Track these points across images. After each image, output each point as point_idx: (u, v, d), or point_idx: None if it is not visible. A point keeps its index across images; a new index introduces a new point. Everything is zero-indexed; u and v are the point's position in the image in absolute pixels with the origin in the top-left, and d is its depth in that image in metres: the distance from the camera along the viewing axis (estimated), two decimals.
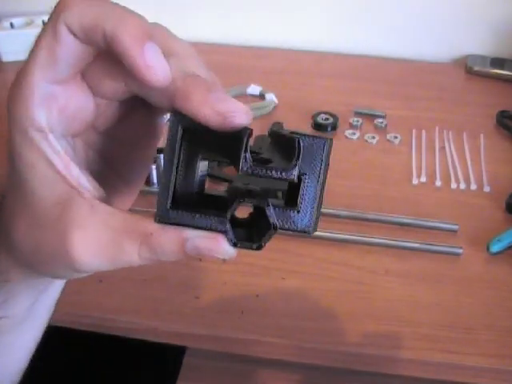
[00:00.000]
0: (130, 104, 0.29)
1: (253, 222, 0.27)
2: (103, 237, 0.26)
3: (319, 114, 0.87)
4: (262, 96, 0.93)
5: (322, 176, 0.27)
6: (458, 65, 1.06)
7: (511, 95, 0.96)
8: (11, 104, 0.26)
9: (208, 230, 0.26)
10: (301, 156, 0.26)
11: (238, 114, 0.25)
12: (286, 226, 0.27)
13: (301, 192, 0.27)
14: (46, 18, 0.27)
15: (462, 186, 0.76)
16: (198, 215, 0.26)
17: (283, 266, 0.63)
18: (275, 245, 0.65)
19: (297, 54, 1.09)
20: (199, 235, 0.26)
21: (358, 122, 0.88)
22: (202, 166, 0.27)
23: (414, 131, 0.87)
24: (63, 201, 0.27)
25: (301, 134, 0.26)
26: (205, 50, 1.08)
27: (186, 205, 0.26)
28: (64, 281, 0.36)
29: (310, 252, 0.65)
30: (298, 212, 0.27)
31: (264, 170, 0.25)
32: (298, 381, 0.69)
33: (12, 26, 1.03)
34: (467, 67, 1.03)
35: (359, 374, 0.61)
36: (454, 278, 0.63)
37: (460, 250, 0.65)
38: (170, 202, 0.26)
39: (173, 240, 0.26)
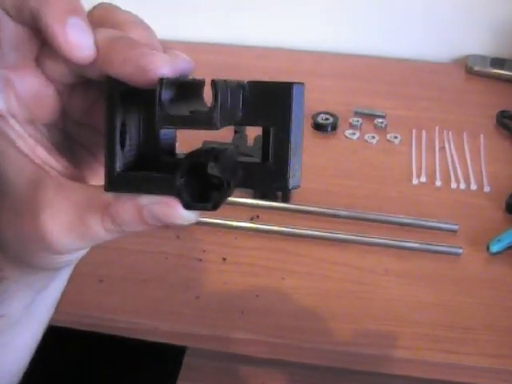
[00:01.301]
0: (97, 89, 0.29)
1: (213, 182, 0.25)
2: (69, 213, 0.26)
3: (319, 113, 0.87)
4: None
5: (294, 125, 0.24)
6: (458, 65, 1.06)
7: (511, 95, 0.96)
8: None
9: (161, 194, 0.24)
10: (219, 99, 0.23)
11: (157, 66, 0.24)
12: (258, 184, 0.25)
13: (270, 146, 0.25)
14: None
15: (462, 185, 0.76)
16: (148, 180, 0.24)
17: (283, 266, 0.63)
18: (275, 245, 0.66)
19: (297, 54, 1.09)
20: (153, 201, 0.25)
21: (357, 121, 0.88)
22: (168, 130, 0.26)
23: (413, 131, 0.87)
24: (33, 182, 0.27)
25: (259, 83, 0.25)
26: (205, 49, 1.09)
27: (142, 170, 0.25)
28: (65, 280, 0.36)
29: (310, 252, 0.65)
30: (269, 168, 0.25)
31: (182, 122, 0.24)
32: (298, 381, 0.69)
33: None
34: (467, 67, 1.03)
35: (359, 373, 0.61)
36: (453, 278, 0.63)
37: (460, 250, 0.65)
38: (117, 169, 0.25)
39: (130, 208, 0.25)
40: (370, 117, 0.90)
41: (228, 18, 1.11)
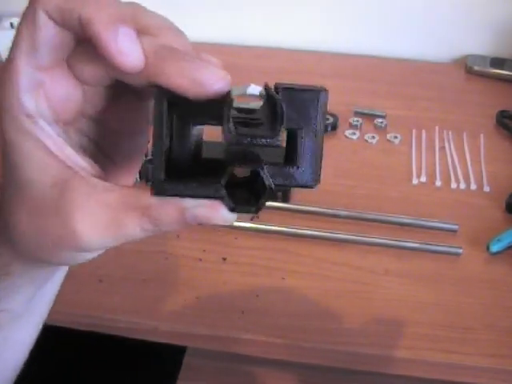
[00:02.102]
0: (116, 89, 0.29)
1: (251, 182, 0.26)
2: (104, 214, 0.26)
3: None
4: (262, 96, 0.93)
5: (318, 129, 0.26)
6: (457, 65, 1.06)
7: (511, 95, 0.96)
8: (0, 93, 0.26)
9: (205, 197, 0.26)
10: (284, 119, 0.25)
11: (214, 81, 0.25)
12: (287, 183, 0.26)
13: (298, 147, 0.26)
14: None
15: (462, 185, 0.76)
16: (193, 184, 0.25)
17: (283, 266, 0.63)
18: (275, 245, 0.66)
19: (297, 54, 1.09)
20: (197, 204, 0.25)
21: (357, 121, 0.88)
22: (196, 131, 0.27)
23: (413, 131, 0.87)
24: (60, 182, 0.27)
25: (290, 89, 0.26)
26: (205, 50, 1.08)
27: (182, 173, 0.26)
28: (62, 276, 0.36)
29: (310, 252, 0.65)
30: (298, 168, 0.26)
31: (249, 139, 0.25)
32: (298, 381, 0.69)
33: (12, 25, 1.03)
34: (467, 67, 1.03)
35: (359, 373, 0.61)
36: (453, 278, 0.63)
37: (460, 250, 0.65)
38: (164, 174, 0.25)
39: (172, 211, 0.26)
40: (370, 117, 0.90)
41: (228, 18, 1.11)
